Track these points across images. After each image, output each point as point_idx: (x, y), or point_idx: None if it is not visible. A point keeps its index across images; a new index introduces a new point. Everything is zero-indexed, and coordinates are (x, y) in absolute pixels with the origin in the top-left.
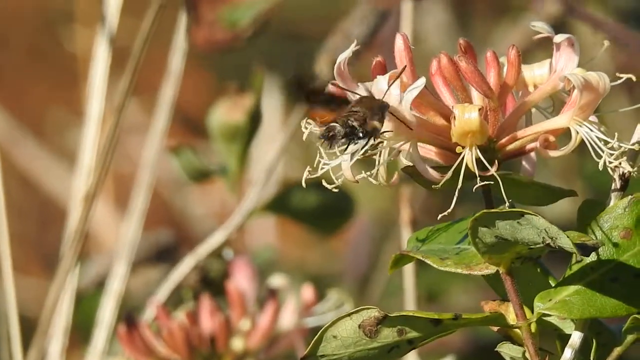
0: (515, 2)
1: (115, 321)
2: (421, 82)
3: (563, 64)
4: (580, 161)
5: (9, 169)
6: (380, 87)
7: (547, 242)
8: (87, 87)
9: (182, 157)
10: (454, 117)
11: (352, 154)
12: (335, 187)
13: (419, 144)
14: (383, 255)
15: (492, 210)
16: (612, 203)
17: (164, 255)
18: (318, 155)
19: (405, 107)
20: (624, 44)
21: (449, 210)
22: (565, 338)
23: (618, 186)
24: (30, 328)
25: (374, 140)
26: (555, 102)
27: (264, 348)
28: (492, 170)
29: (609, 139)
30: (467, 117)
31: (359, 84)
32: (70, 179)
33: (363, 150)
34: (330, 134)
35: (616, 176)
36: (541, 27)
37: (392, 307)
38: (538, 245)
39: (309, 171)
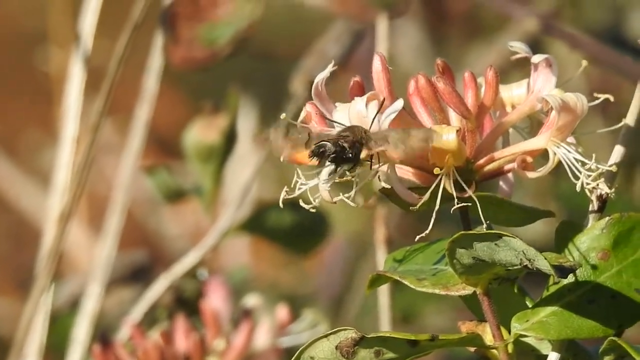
0: (490, 22)
1: (89, 341)
2: (399, 104)
3: (541, 85)
4: (555, 182)
5: None
6: (358, 108)
7: (525, 263)
8: (62, 107)
9: (157, 177)
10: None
11: (330, 176)
12: (313, 208)
13: (396, 164)
14: (358, 275)
15: (470, 231)
16: (589, 224)
17: (138, 275)
18: (295, 175)
19: (383, 129)
20: (600, 62)
21: (426, 232)
22: (542, 359)
23: (596, 207)
24: (4, 348)
25: (359, 165)
26: (533, 122)
27: None
28: (470, 192)
29: (586, 160)
30: (444, 138)
31: (336, 104)
32: (44, 198)
33: (340, 172)
34: (321, 150)
35: (594, 197)
36: (519, 47)
37: (367, 327)
38: (516, 267)
39: (286, 191)
